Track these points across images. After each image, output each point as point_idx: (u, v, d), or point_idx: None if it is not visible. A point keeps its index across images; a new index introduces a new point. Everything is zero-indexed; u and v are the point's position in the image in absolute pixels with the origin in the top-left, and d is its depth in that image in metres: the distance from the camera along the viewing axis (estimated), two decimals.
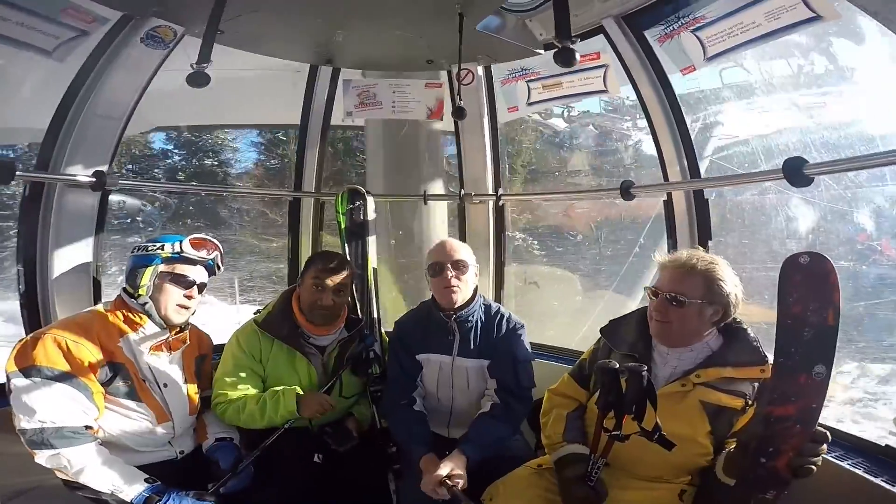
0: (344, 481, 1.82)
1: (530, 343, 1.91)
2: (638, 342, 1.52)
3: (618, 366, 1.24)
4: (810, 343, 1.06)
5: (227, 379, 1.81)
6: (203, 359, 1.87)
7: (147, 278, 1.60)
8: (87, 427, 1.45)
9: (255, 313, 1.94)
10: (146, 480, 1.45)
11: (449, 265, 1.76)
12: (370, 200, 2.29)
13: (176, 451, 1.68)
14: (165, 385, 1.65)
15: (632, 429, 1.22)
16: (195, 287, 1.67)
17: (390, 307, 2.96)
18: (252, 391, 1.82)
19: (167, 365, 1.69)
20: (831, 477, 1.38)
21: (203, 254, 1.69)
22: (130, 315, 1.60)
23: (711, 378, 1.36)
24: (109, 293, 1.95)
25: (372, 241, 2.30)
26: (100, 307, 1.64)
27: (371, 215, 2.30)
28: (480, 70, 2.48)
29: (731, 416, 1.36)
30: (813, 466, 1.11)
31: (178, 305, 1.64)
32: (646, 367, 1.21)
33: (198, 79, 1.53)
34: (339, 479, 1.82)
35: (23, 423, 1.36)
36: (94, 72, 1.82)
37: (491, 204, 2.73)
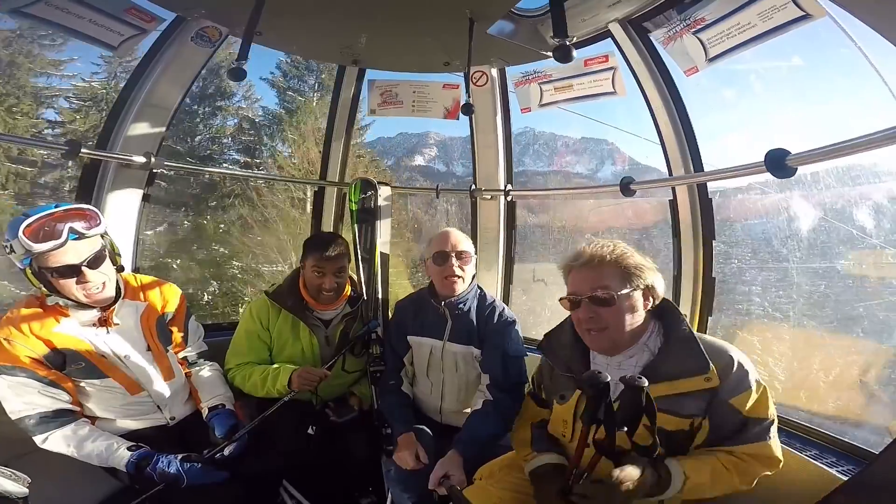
0: (337, 456, 1.93)
1: (524, 338, 1.96)
2: (573, 359, 1.38)
3: (608, 378, 1.03)
4: None
5: (237, 346, 2.01)
6: (168, 317, 1.78)
7: (34, 280, 1.45)
8: (67, 410, 1.48)
9: (270, 286, 2.14)
10: (129, 448, 1.49)
11: (454, 255, 1.82)
12: (381, 190, 2.44)
13: (167, 418, 1.70)
14: (127, 357, 1.60)
15: (625, 444, 1.06)
16: (83, 271, 1.45)
17: None
18: (260, 358, 2.00)
19: (124, 337, 1.61)
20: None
21: (51, 243, 1.38)
22: (52, 307, 1.51)
23: None
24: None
25: (381, 228, 2.43)
26: (34, 295, 1.52)
27: (381, 204, 2.44)
28: (495, 72, 2.62)
29: (683, 438, 1.20)
30: None
31: (82, 293, 1.47)
32: (646, 382, 1.01)
33: (236, 73, 1.74)
34: (332, 454, 1.93)
35: (11, 415, 1.43)
36: (150, 66, 2.09)
37: (502, 201, 2.84)
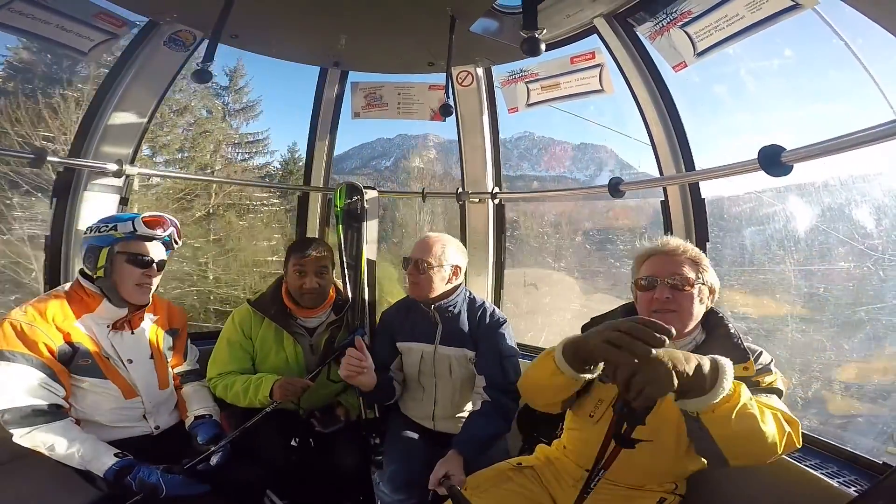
0: (325, 467, 1.87)
1: (516, 343, 1.91)
2: None
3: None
4: None
5: (219, 356, 1.95)
6: (175, 333, 1.87)
7: (103, 259, 1.58)
8: (58, 406, 1.47)
9: (253, 294, 2.08)
10: (116, 455, 1.46)
11: (414, 262, 1.83)
12: (367, 195, 2.38)
13: (151, 427, 1.69)
14: (130, 361, 1.65)
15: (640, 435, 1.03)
16: (153, 265, 1.65)
17: None
18: (242, 368, 1.94)
19: (132, 341, 1.68)
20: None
21: (158, 231, 1.65)
22: (86, 297, 1.59)
23: None
24: None
25: (367, 233, 2.36)
26: (60, 289, 1.62)
27: (367, 209, 2.38)
28: (480, 72, 2.55)
29: None
30: None
31: (136, 285, 1.62)
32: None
33: (201, 75, 1.67)
34: (319, 464, 1.88)
35: None
36: (122, 71, 2.04)
37: (490, 205, 2.78)
